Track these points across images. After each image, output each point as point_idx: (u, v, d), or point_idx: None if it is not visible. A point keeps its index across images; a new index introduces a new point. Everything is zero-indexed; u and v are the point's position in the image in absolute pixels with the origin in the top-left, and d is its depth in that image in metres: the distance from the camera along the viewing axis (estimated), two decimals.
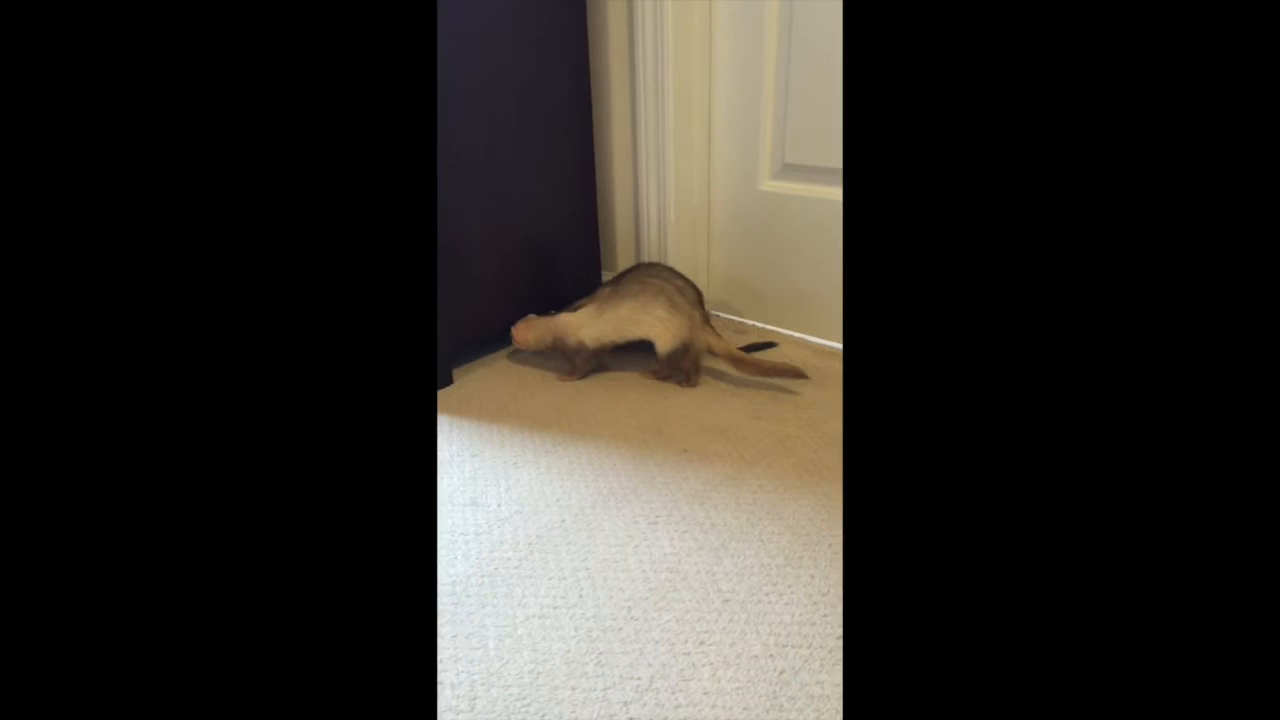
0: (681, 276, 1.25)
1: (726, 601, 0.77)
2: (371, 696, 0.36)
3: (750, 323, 1.47)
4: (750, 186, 1.39)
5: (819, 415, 1.12)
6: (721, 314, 1.50)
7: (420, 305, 0.38)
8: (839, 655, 0.70)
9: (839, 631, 0.73)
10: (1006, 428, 0.35)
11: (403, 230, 0.38)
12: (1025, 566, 0.35)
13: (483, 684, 0.68)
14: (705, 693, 0.66)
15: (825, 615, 0.75)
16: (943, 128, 0.35)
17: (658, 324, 1.17)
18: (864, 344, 0.37)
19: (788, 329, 1.42)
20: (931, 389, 0.36)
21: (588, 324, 1.22)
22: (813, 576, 0.80)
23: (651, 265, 1.28)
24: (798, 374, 1.10)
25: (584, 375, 1.27)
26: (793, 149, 1.31)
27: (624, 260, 1.57)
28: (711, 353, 1.19)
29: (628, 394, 1.22)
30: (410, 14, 0.37)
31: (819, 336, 1.38)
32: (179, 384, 0.36)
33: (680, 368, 1.20)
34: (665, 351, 1.18)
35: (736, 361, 1.16)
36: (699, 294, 1.24)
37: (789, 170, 1.33)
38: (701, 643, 0.72)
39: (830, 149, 1.26)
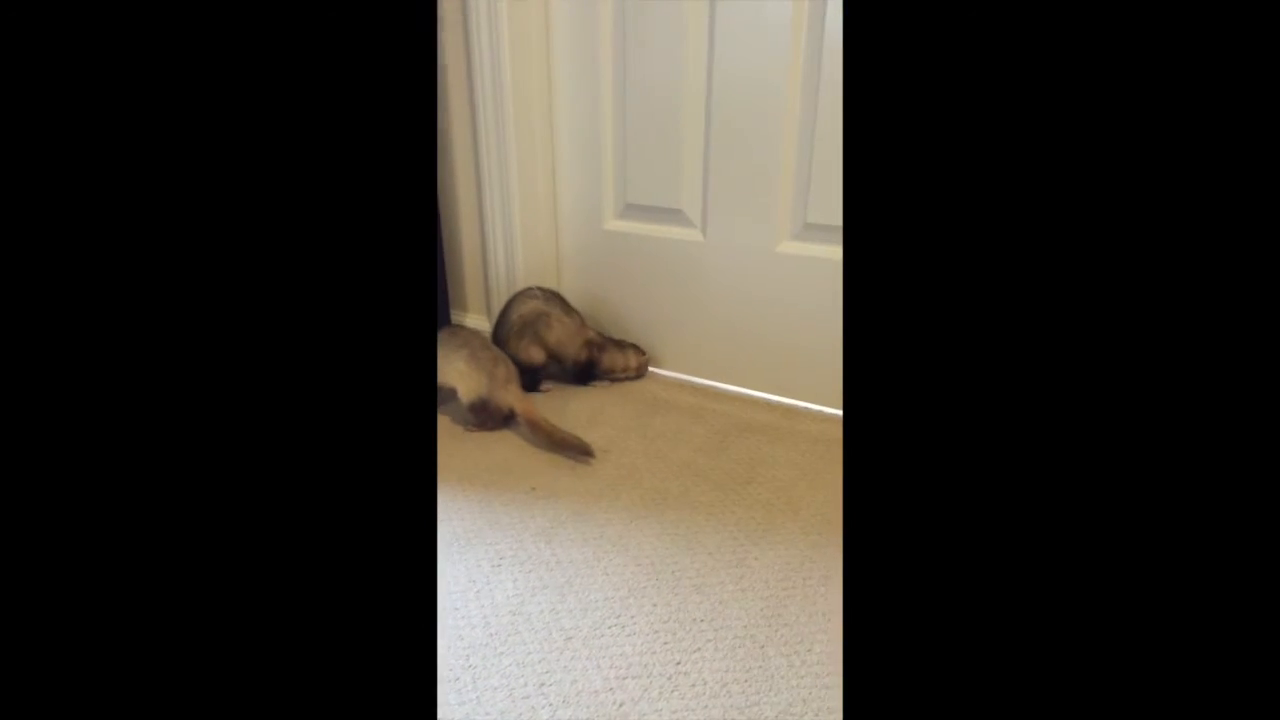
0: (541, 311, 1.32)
1: (569, 639, 0.76)
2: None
3: None
4: (596, 226, 1.42)
5: (666, 446, 1.15)
6: None
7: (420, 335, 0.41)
8: (677, 681, 0.71)
9: (678, 658, 0.74)
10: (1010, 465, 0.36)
11: (406, 239, 0.40)
12: (1024, 608, 0.36)
13: None
14: None
15: (665, 643, 0.75)
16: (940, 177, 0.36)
17: (456, 376, 1.20)
18: (865, 393, 0.38)
19: None
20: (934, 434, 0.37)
21: None
22: (655, 605, 0.81)
23: (527, 293, 1.35)
24: (586, 452, 1.12)
25: None
26: (634, 190, 1.36)
27: (473, 300, 1.55)
28: (513, 412, 1.19)
29: (477, 433, 1.19)
30: (410, 38, 0.39)
31: (668, 370, 1.43)
32: (178, 389, 0.37)
33: (489, 419, 1.20)
34: (465, 403, 1.20)
35: (533, 427, 1.16)
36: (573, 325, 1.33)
37: (631, 210, 1.38)
38: (541, 684, 0.70)
39: (668, 190, 1.32)
